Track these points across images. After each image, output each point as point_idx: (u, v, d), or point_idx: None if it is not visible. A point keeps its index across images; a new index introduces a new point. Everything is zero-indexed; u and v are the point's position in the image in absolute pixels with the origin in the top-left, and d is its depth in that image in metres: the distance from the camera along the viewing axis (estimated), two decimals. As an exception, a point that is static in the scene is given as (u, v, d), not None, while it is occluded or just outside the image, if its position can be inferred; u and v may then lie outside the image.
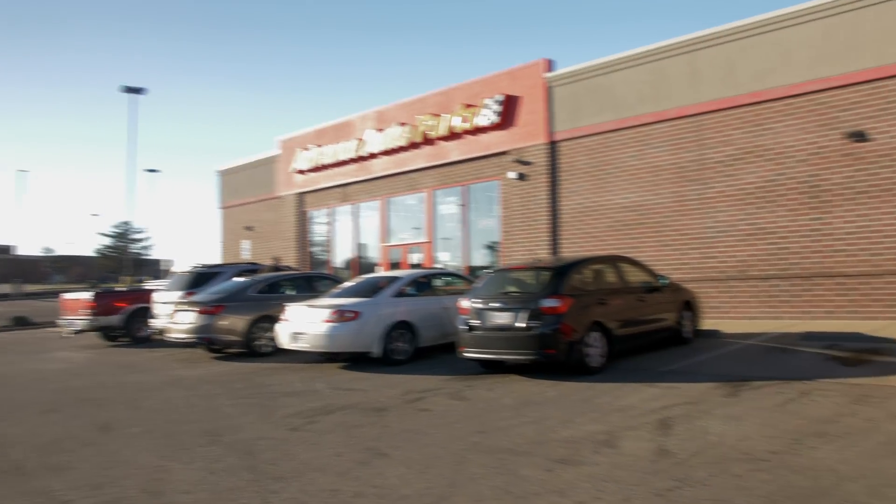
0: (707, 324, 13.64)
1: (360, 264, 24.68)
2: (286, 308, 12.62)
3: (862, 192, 14.04)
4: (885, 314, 13.68)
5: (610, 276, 11.18)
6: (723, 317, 15.41)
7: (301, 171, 26.66)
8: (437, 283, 14.02)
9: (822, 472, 5.31)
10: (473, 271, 19.41)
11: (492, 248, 20.42)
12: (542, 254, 18.44)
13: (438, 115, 21.07)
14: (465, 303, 10.78)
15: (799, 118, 14.79)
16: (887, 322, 13.16)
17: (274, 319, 13.10)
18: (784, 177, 14.94)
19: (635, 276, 11.61)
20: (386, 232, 23.84)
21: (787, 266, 14.89)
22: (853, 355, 9.86)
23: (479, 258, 20.76)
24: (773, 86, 15.07)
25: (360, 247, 25.14)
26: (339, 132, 25.04)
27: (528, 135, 19.09)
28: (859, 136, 14.03)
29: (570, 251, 18.12)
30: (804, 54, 14.71)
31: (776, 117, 15.08)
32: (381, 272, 19.12)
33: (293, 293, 14.79)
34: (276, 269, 17.08)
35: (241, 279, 15.21)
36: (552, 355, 9.75)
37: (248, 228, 29.85)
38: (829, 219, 14.39)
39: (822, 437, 6.18)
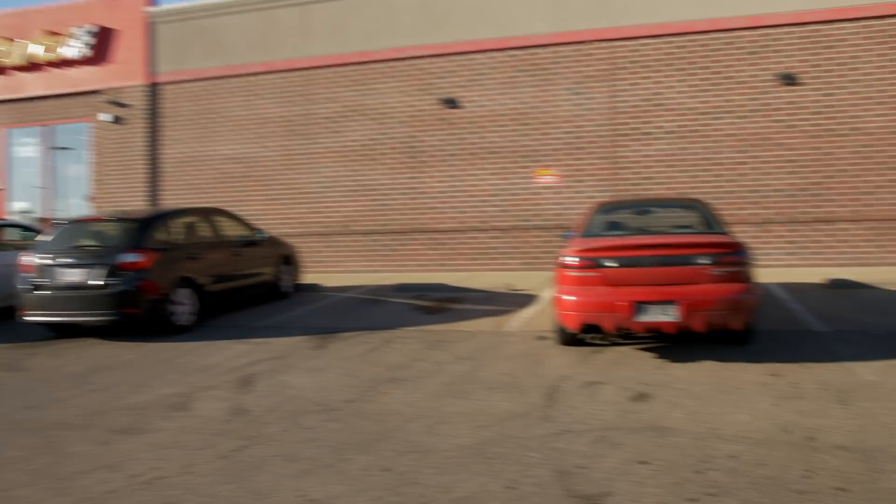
0: (310, 278, 13.66)
1: None
2: None
3: (452, 155, 15.18)
4: (468, 266, 15.04)
5: (202, 230, 10.42)
6: (327, 271, 15.61)
7: None
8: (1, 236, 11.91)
9: (389, 415, 5.36)
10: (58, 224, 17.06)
11: (84, 198, 18.13)
12: (141, 205, 16.88)
13: (13, 41, 17.88)
14: (28, 259, 9.19)
15: (401, 81, 15.45)
16: (470, 273, 14.48)
17: None
18: (386, 136, 15.53)
19: (231, 230, 11.00)
20: (-54, 177, 19.84)
21: (386, 222, 15.57)
22: (435, 304, 10.53)
23: (70, 209, 18.32)
24: (379, 47, 15.50)
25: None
26: None
27: (125, 74, 17.18)
28: (452, 103, 15.10)
29: (172, 203, 16.83)
30: (407, 20, 15.35)
31: (380, 78, 15.56)
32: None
33: None
34: None
35: None
36: (133, 315, 8.76)
37: None
38: (424, 178, 15.34)
39: (395, 382, 6.31)
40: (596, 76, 14.48)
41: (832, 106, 13.49)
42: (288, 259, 12.15)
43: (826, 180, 13.53)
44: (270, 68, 16.20)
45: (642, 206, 8.61)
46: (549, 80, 14.70)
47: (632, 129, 14.32)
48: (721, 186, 13.92)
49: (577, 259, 6.59)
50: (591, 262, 6.51)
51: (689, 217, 7.95)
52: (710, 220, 7.60)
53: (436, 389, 6.03)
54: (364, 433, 4.98)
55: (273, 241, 11.88)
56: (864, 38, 13.35)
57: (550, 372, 6.41)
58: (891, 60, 13.25)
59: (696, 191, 13.95)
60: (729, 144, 13.88)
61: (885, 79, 13.28)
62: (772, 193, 13.73)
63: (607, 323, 6.33)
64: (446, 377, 6.42)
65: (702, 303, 6.12)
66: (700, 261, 6.32)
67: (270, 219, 15.52)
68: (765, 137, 13.73)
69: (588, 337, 6.95)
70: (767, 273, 12.75)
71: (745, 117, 13.81)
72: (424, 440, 4.79)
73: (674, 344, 7.24)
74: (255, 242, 11.20)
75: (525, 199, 14.84)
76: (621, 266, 6.44)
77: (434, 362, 7.01)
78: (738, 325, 6.26)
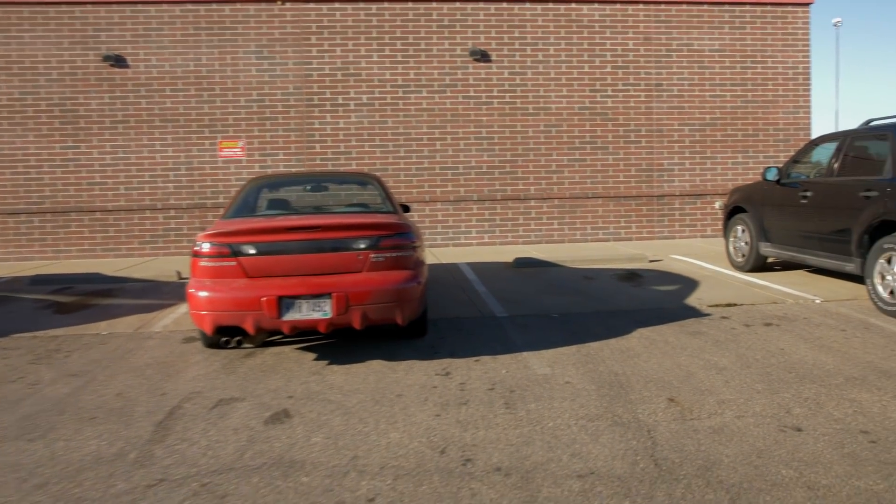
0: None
1: None
2: None
3: (121, 122, 13.04)
4: (141, 251, 13.09)
5: None
6: (-41, 261, 12.72)
7: None
8: None
9: None
10: None
11: None
12: None
13: None
14: None
15: (52, 30, 12.89)
16: (141, 259, 12.55)
17: None
18: (34, 97, 12.90)
19: None
20: None
21: (38, 200, 13.00)
22: (77, 300, 8.64)
23: None
24: (23, -12, 12.79)
25: None
26: None
27: None
28: (118, 61, 12.93)
29: None
30: (58, -42, 12.83)
31: (25, 26, 12.85)
32: None
33: None
34: None
35: None
36: None
37: None
38: (87, 148, 13.02)
39: (-45, 419, 4.57)
40: (285, 40, 13.20)
41: (521, 85, 13.56)
42: None
43: (517, 158, 13.61)
44: None
45: (306, 182, 7.51)
46: (233, 41, 13.13)
47: (325, 99, 13.29)
48: (418, 163, 13.44)
49: (209, 245, 5.28)
50: (225, 249, 5.23)
51: (360, 194, 7.03)
52: (383, 198, 6.68)
53: (7, 427, 4.42)
54: None
55: None
56: (549, 21, 13.56)
57: (180, 388, 5.08)
58: (570, 44, 13.60)
59: (392, 167, 13.35)
60: (424, 120, 13.42)
61: (566, 61, 13.61)
62: (467, 171, 13.53)
63: (248, 324, 5.12)
64: (34, 405, 4.80)
65: (358, 295, 5.14)
66: (357, 245, 5.32)
67: None
68: (459, 114, 13.46)
69: (230, 340, 5.67)
70: (462, 252, 12.52)
71: (439, 92, 13.42)
72: (-62, 519, 3.25)
73: (342, 339, 6.29)
74: None
75: (208, 175, 13.19)
76: (263, 253, 5.25)
77: (29, 383, 5.32)
78: (402, 319, 5.36)
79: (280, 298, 5.08)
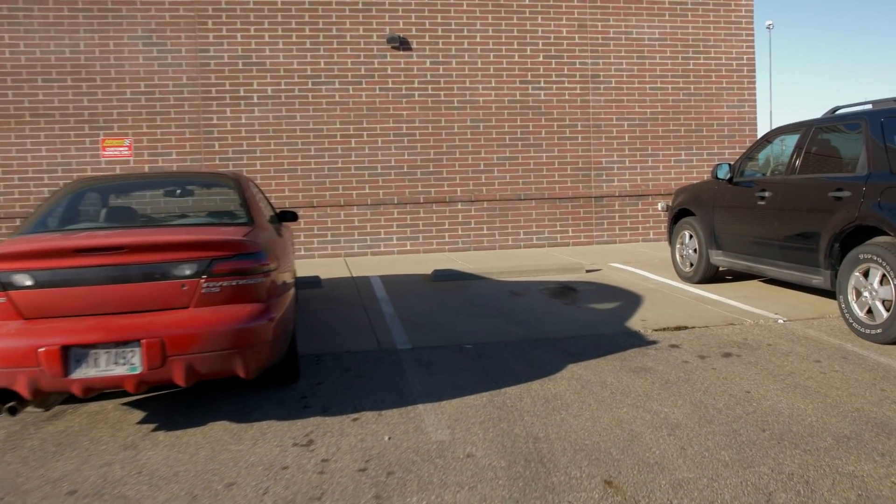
0: None
1: None
2: None
3: (-16, 117, 11.28)
4: None
5: None
6: None
7: None
8: None
9: None
10: None
11: None
12: None
13: None
14: None
15: None
16: None
17: None
18: None
19: None
20: None
21: None
22: None
23: None
24: None
25: None
26: None
27: None
28: (-19, 47, 11.18)
29: None
30: None
31: None
32: None
33: None
34: None
35: None
36: None
37: None
38: (-57, 148, 11.22)
39: None
40: (178, 25, 11.62)
41: (445, 76, 12.26)
42: None
43: (442, 157, 12.30)
44: None
45: (144, 186, 6.03)
46: (117, 25, 11.50)
47: (224, 91, 11.76)
48: (331, 162, 12.01)
49: (-33, 275, 3.78)
50: (-10, 281, 3.75)
51: (211, 201, 5.56)
52: (239, 205, 5.16)
53: None
54: None
55: None
56: (474, 5, 12.30)
57: (-80, 478, 3.58)
58: (498, 31, 12.36)
59: (302, 167, 11.91)
60: (337, 114, 11.99)
61: (494, 50, 12.37)
62: (386, 171, 12.15)
63: (21, 385, 3.63)
64: None
65: (180, 340, 3.68)
66: (181, 271, 3.85)
67: None
68: (377, 108, 12.08)
69: (1, 407, 4.01)
70: (379, 262, 11.13)
71: (354, 83, 12.01)
72: None
73: (186, 390, 4.84)
74: None
75: (88, 177, 11.51)
76: (44, 285, 3.74)
77: None
78: (246, 371, 3.90)
79: (65, 349, 3.60)
